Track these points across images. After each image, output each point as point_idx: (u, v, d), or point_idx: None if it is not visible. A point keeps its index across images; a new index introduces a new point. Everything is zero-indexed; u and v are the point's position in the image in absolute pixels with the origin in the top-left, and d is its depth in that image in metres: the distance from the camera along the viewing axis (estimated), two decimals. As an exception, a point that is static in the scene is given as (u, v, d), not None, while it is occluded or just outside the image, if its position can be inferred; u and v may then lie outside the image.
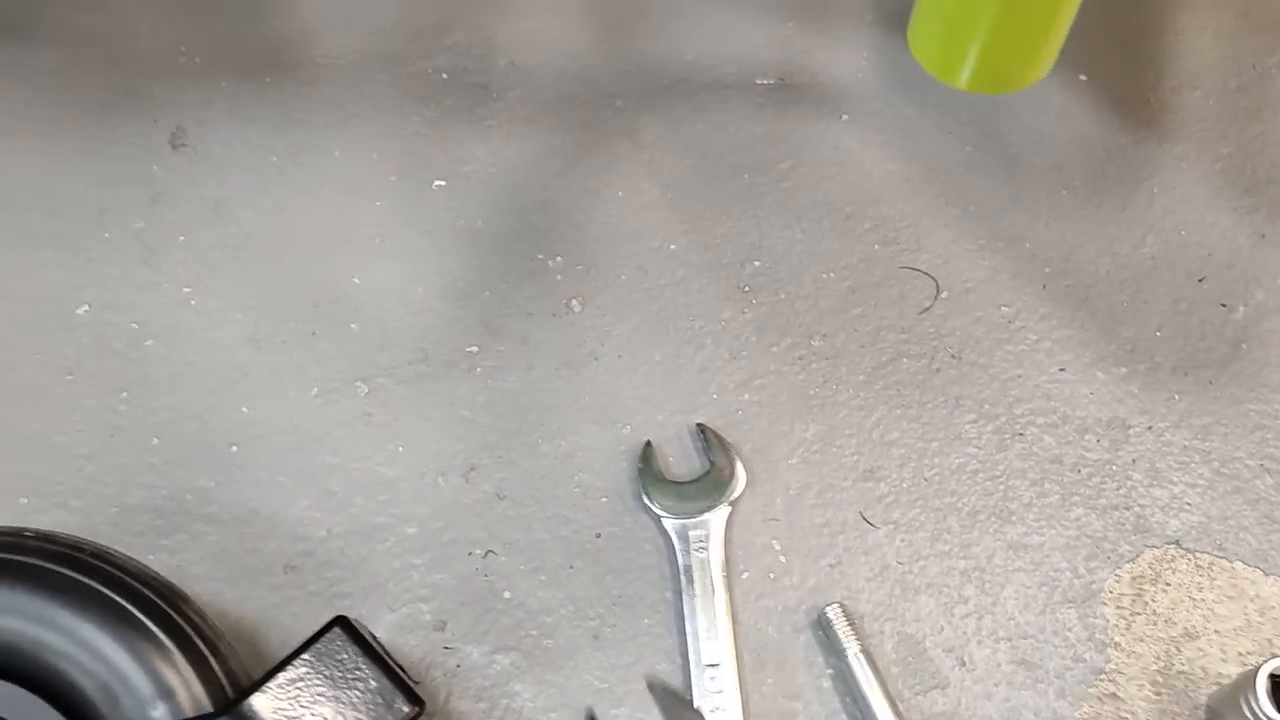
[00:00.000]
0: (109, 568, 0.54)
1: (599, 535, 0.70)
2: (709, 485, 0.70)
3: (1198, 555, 0.70)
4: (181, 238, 0.79)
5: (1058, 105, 0.85)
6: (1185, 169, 0.83)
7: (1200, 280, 0.78)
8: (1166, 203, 0.81)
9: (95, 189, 0.80)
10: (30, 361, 0.73)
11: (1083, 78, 0.86)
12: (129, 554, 0.64)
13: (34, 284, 0.76)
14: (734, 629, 0.66)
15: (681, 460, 0.72)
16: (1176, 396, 0.74)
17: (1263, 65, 0.87)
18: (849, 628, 0.65)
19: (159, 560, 0.67)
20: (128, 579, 0.54)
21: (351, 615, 0.63)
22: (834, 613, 0.66)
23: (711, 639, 0.66)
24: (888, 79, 0.87)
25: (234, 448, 0.72)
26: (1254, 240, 0.80)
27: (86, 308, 0.75)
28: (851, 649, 0.65)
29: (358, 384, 0.74)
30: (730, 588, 0.68)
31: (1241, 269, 0.78)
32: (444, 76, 0.87)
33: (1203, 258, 0.79)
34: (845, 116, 0.85)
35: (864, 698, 0.63)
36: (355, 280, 0.78)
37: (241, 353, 0.75)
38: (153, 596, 0.54)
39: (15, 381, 0.73)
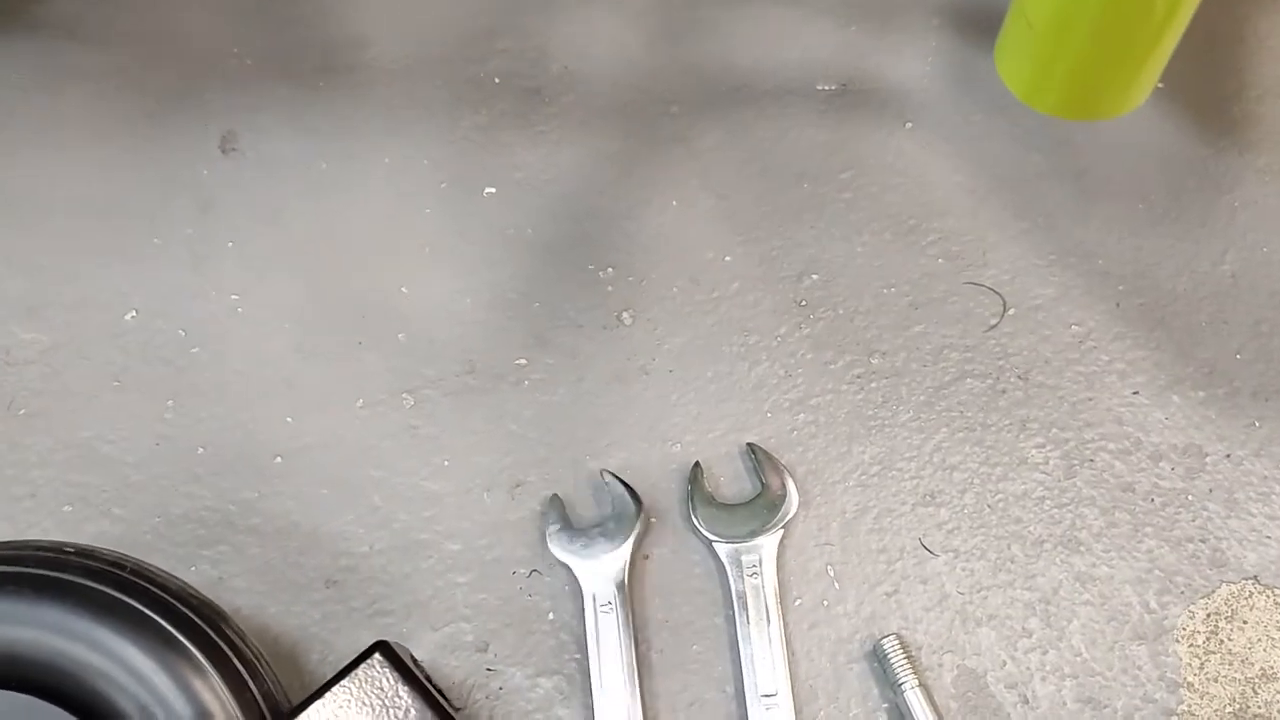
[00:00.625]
0: (149, 586, 0.53)
1: (647, 557, 0.68)
2: (760, 508, 0.67)
3: (1277, 591, 0.66)
4: (230, 244, 0.78)
5: (1135, 115, 0.81)
6: (1269, 182, 0.79)
7: (1284, 300, 0.74)
8: (1248, 218, 0.77)
9: (146, 194, 0.79)
10: (77, 368, 0.73)
11: (1160, 86, 0.82)
12: (171, 565, 0.63)
13: (82, 290, 0.76)
14: (788, 659, 0.64)
15: (733, 481, 0.70)
16: (1257, 423, 0.71)
17: None
18: (906, 660, 0.63)
19: (201, 572, 0.67)
20: (168, 598, 0.53)
21: (393, 634, 0.62)
22: (890, 644, 0.63)
23: (767, 668, 0.63)
24: (954, 84, 0.84)
25: (278, 459, 0.71)
26: (1342, 258, 0.75)
27: (134, 313, 0.75)
28: (909, 682, 0.62)
29: (404, 396, 0.73)
30: (784, 615, 0.65)
31: (1328, 289, 0.75)
32: (496, 81, 0.85)
33: (1287, 276, 0.75)
34: (909, 124, 0.82)
35: (922, 735, 0.61)
36: (403, 290, 0.76)
37: (288, 363, 0.74)
38: (192, 616, 0.53)
39: (63, 388, 0.72)
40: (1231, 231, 0.77)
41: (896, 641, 0.63)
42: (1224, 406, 0.71)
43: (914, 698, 0.62)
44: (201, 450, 0.71)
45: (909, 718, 0.62)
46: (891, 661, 0.63)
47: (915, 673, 0.62)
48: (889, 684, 0.63)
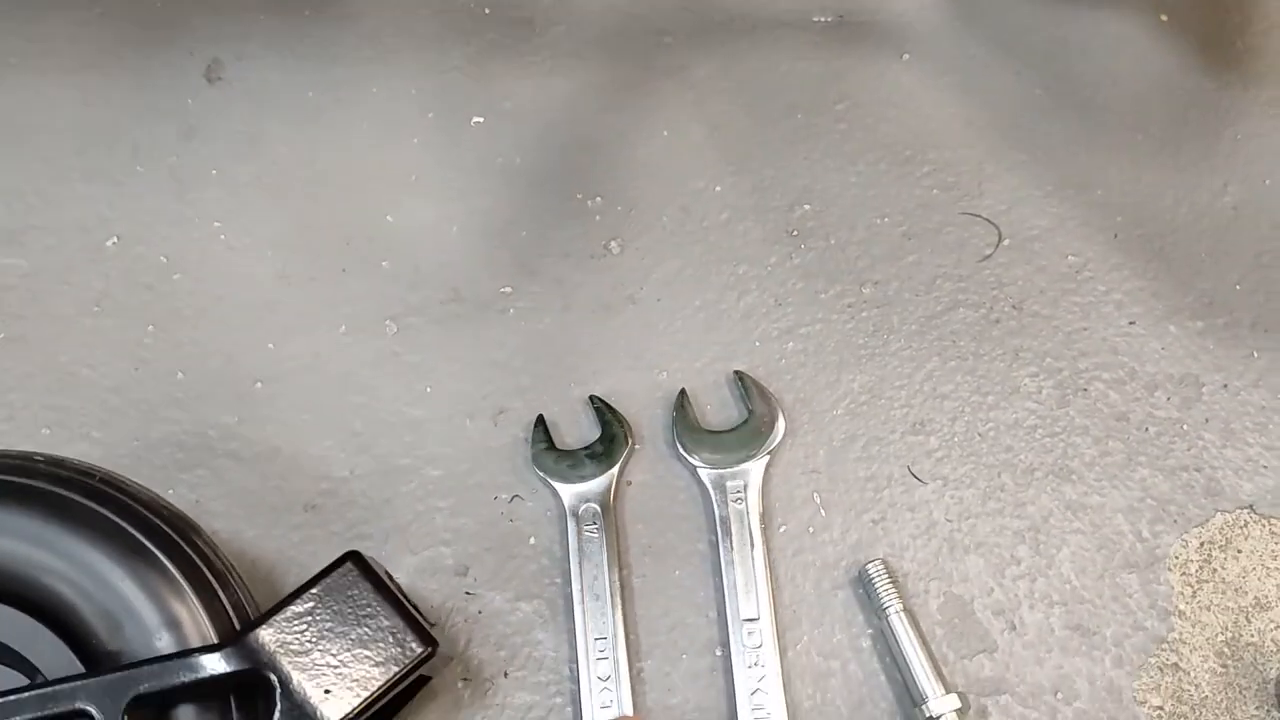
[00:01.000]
0: (119, 495, 0.52)
1: (630, 483, 0.67)
2: (747, 435, 0.66)
3: (1272, 521, 0.65)
4: (214, 172, 0.77)
5: (1137, 47, 0.80)
6: (1273, 115, 0.77)
7: (1286, 231, 0.73)
8: (1251, 150, 0.76)
9: (130, 122, 0.78)
10: (58, 292, 0.72)
11: (1164, 18, 0.80)
12: (146, 485, 0.62)
13: (64, 215, 0.74)
14: (771, 584, 0.63)
15: (719, 409, 0.69)
16: (1255, 354, 0.69)
17: (1362, 5, 0.80)
18: (891, 585, 0.61)
19: (179, 495, 0.66)
20: (138, 507, 0.52)
21: (370, 556, 0.61)
22: (875, 569, 0.62)
23: (749, 593, 0.62)
24: (953, 16, 0.82)
25: (259, 384, 0.70)
26: (1347, 189, 0.74)
27: (116, 240, 0.74)
28: (894, 606, 0.61)
29: (387, 322, 0.72)
30: (768, 541, 0.64)
31: (1332, 220, 0.73)
32: (486, 11, 0.84)
33: (1289, 207, 0.73)
34: (906, 56, 0.80)
35: (905, 658, 0.60)
36: (389, 218, 0.75)
37: (270, 289, 0.73)
38: (163, 526, 0.52)
39: (42, 312, 0.71)
40: (1234, 163, 0.75)
41: (882, 566, 0.62)
42: (1222, 337, 0.70)
43: (898, 622, 0.61)
44: (181, 375, 0.70)
45: (893, 642, 0.61)
46: (876, 586, 0.62)
47: (900, 597, 0.61)
48: (873, 609, 0.62)
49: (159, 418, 0.69)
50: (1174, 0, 0.81)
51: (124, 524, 0.51)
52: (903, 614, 0.61)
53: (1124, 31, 0.80)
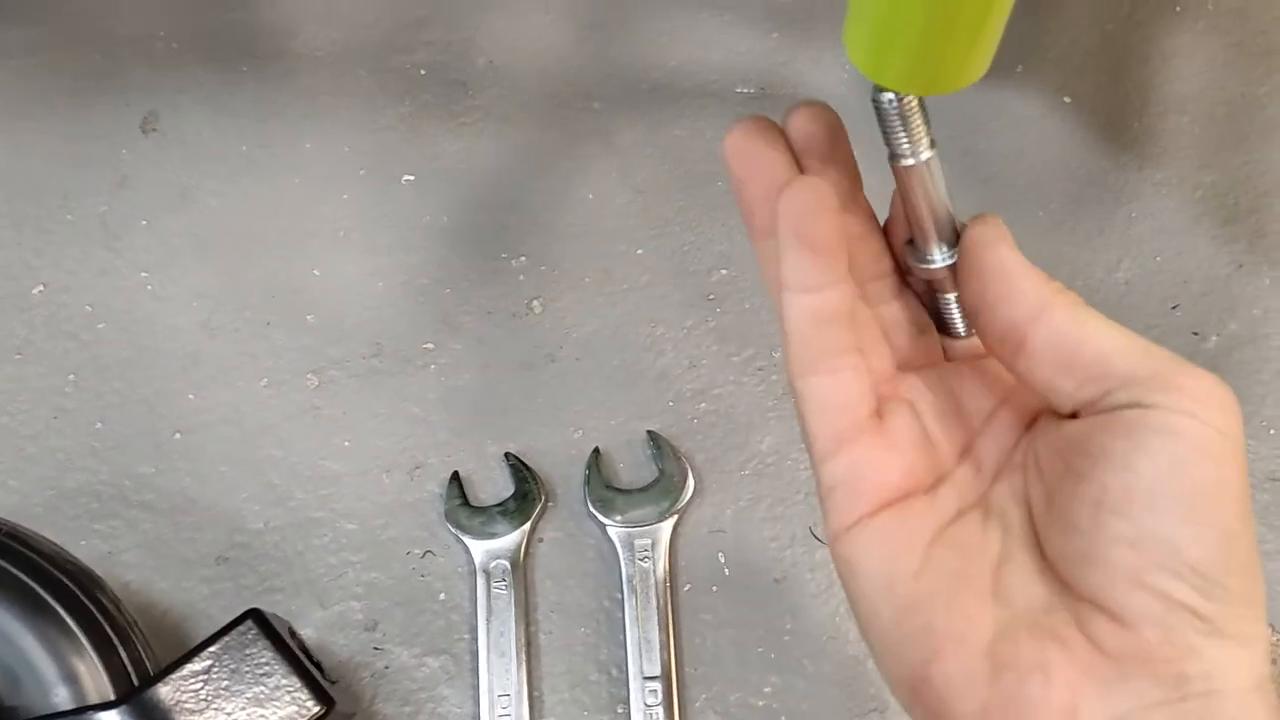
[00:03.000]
0: (21, 548, 0.53)
1: (542, 540, 0.68)
2: (657, 494, 0.68)
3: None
4: (144, 222, 0.78)
5: (1041, 127, 0.84)
6: (1165, 195, 0.81)
7: (1174, 308, 0.76)
8: (1144, 229, 0.80)
9: (62, 170, 0.79)
10: (-20, 339, 0.73)
11: (1067, 100, 0.85)
12: (61, 538, 0.63)
13: (-9, 262, 0.75)
14: (674, 642, 0.65)
15: (632, 468, 0.71)
16: (1143, 426, 0.72)
17: (1252, 94, 0.85)
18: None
19: (91, 546, 0.66)
20: (40, 561, 0.53)
21: (281, 610, 0.62)
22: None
23: (651, 652, 0.64)
24: (866, 91, 0.85)
25: (178, 435, 0.71)
26: (1231, 269, 0.78)
27: (41, 288, 0.75)
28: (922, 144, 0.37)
29: (309, 376, 0.73)
30: (673, 599, 0.66)
31: (1216, 298, 0.77)
32: (422, 72, 0.86)
33: (1178, 285, 0.77)
34: (823, 128, 0.83)
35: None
36: (316, 272, 0.77)
37: (194, 340, 0.74)
38: (64, 580, 0.53)
39: (-37, 358, 0.72)
40: (1127, 241, 0.79)
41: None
42: (1112, 409, 0.73)
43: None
44: (100, 425, 0.71)
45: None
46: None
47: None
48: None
49: (75, 467, 0.69)
50: (1077, 83, 0.85)
51: (25, 578, 0.52)
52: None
53: (1029, 112, 0.84)
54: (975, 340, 0.39)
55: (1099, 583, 0.30)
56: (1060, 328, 0.33)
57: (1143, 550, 0.30)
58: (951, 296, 0.38)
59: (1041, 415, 0.36)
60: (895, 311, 0.39)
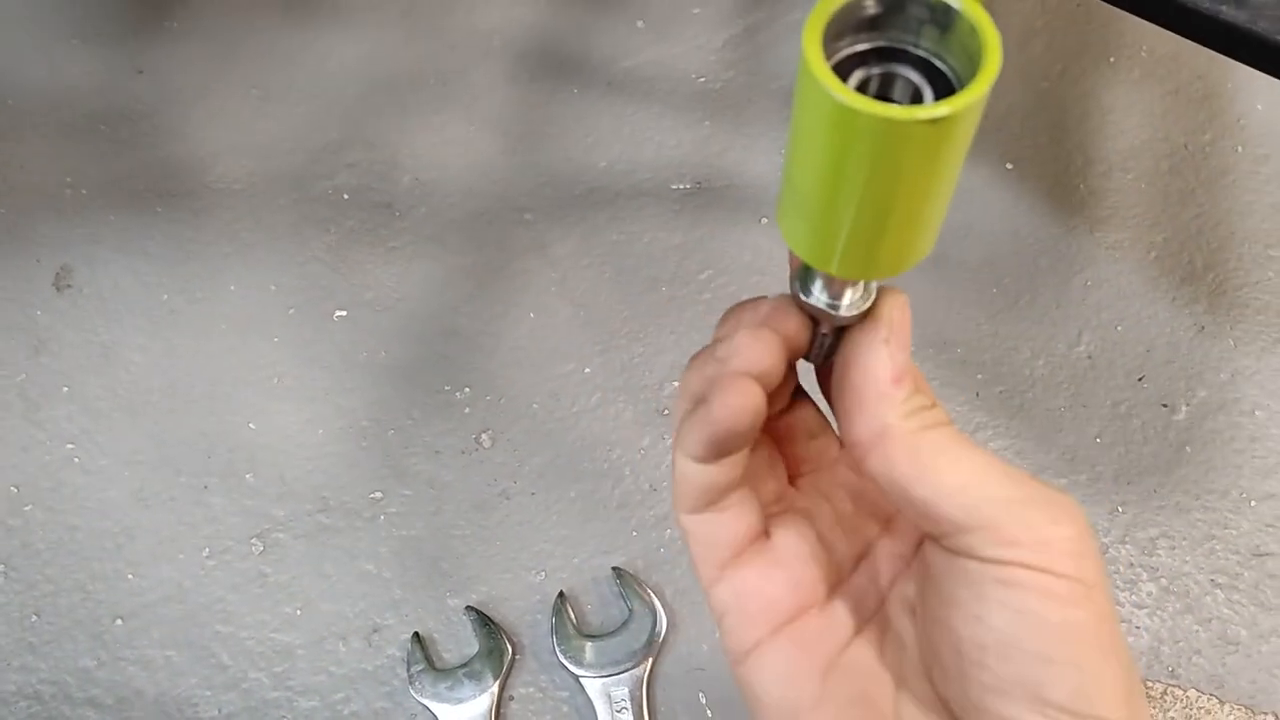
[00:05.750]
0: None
1: (512, 698, 0.65)
2: (629, 636, 0.65)
3: (1149, 684, 0.66)
4: (66, 388, 0.74)
5: (984, 198, 0.82)
6: (1120, 259, 0.79)
7: (1140, 379, 0.74)
8: (1101, 296, 0.78)
9: (-27, 340, 0.75)
10: (-102, 538, 0.68)
11: (1009, 166, 0.83)
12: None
13: (-96, 451, 0.71)
14: (660, 796, 0.62)
15: (600, 608, 0.68)
16: (1120, 509, 0.70)
17: (1195, 144, 0.84)
18: None
19: (33, 758, 0.62)
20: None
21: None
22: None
23: (637, 808, 0.61)
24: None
25: (119, 621, 0.67)
26: (1193, 333, 0.76)
27: (-40, 474, 0.71)
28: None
29: (253, 541, 0.69)
30: (655, 750, 0.63)
31: (1182, 364, 0.75)
32: (345, 196, 0.83)
33: (1141, 354, 0.75)
34: (764, 219, 0.81)
35: None
36: (251, 426, 0.73)
37: (128, 513, 0.70)
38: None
39: (-119, 562, 0.68)
40: (1085, 311, 0.77)
41: None
42: (1087, 493, 0.71)
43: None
44: (35, 618, 0.67)
45: None
46: None
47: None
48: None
49: (12, 667, 0.65)
50: (1018, 148, 0.84)
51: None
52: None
53: (973, 184, 0.82)
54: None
55: None
56: (892, 460, 0.30)
57: (1009, 696, 0.29)
58: (827, 330, 0.34)
59: None
60: (792, 420, 0.36)
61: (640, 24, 0.91)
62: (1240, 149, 0.83)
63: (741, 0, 0.92)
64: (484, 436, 0.73)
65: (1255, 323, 0.76)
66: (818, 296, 0.32)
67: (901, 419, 0.30)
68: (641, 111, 0.87)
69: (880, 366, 0.31)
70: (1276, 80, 0.53)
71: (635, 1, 0.92)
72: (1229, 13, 0.52)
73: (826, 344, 0.34)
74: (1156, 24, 0.54)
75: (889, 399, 0.30)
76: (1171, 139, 0.84)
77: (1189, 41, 0.53)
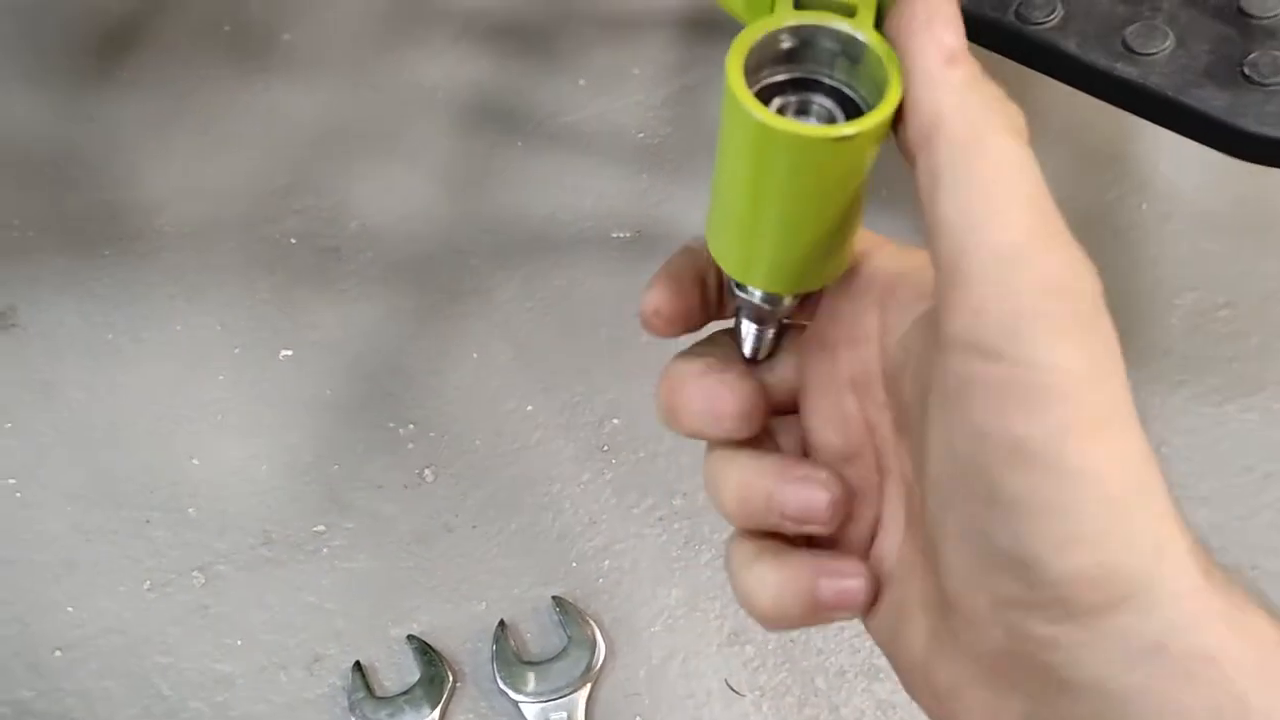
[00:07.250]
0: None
1: (453, 725, 0.66)
2: (567, 663, 0.67)
3: None
4: (9, 425, 0.75)
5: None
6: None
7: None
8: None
9: (-86, 376, 0.76)
10: None
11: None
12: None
13: None
14: (598, 819, 0.63)
15: (540, 637, 0.69)
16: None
17: (1101, 202, 0.90)
18: None
19: (-35, 789, 0.62)
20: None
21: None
22: (700, 795, 0.61)
23: (575, 832, 0.62)
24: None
25: (57, 652, 0.67)
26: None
27: (-103, 507, 0.70)
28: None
29: (194, 574, 0.70)
30: (593, 774, 0.64)
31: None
32: (292, 241, 0.85)
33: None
34: (700, 266, 0.85)
35: None
36: (194, 461, 0.74)
37: (69, 546, 0.70)
38: None
39: None
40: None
41: None
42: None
43: None
44: (-30, 650, 0.66)
45: None
46: None
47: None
48: (702, 837, 0.62)
49: (-56, 701, 0.65)
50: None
51: None
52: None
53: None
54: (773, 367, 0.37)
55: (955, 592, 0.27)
56: (936, 168, 0.26)
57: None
58: (754, 326, 0.36)
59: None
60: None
61: (582, 82, 0.95)
62: (1145, 206, 0.89)
63: (679, 61, 0.97)
64: (427, 471, 0.75)
65: (1161, 364, 0.81)
66: (752, 292, 0.34)
67: (955, 109, 0.25)
68: (583, 164, 0.90)
69: (928, 48, 0.26)
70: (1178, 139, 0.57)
71: (577, 61, 0.96)
72: (1123, 69, 0.57)
73: (767, 338, 0.36)
74: (1055, 79, 0.58)
75: (946, 83, 0.25)
76: (1078, 198, 0.90)
77: (1093, 109, 0.58)
